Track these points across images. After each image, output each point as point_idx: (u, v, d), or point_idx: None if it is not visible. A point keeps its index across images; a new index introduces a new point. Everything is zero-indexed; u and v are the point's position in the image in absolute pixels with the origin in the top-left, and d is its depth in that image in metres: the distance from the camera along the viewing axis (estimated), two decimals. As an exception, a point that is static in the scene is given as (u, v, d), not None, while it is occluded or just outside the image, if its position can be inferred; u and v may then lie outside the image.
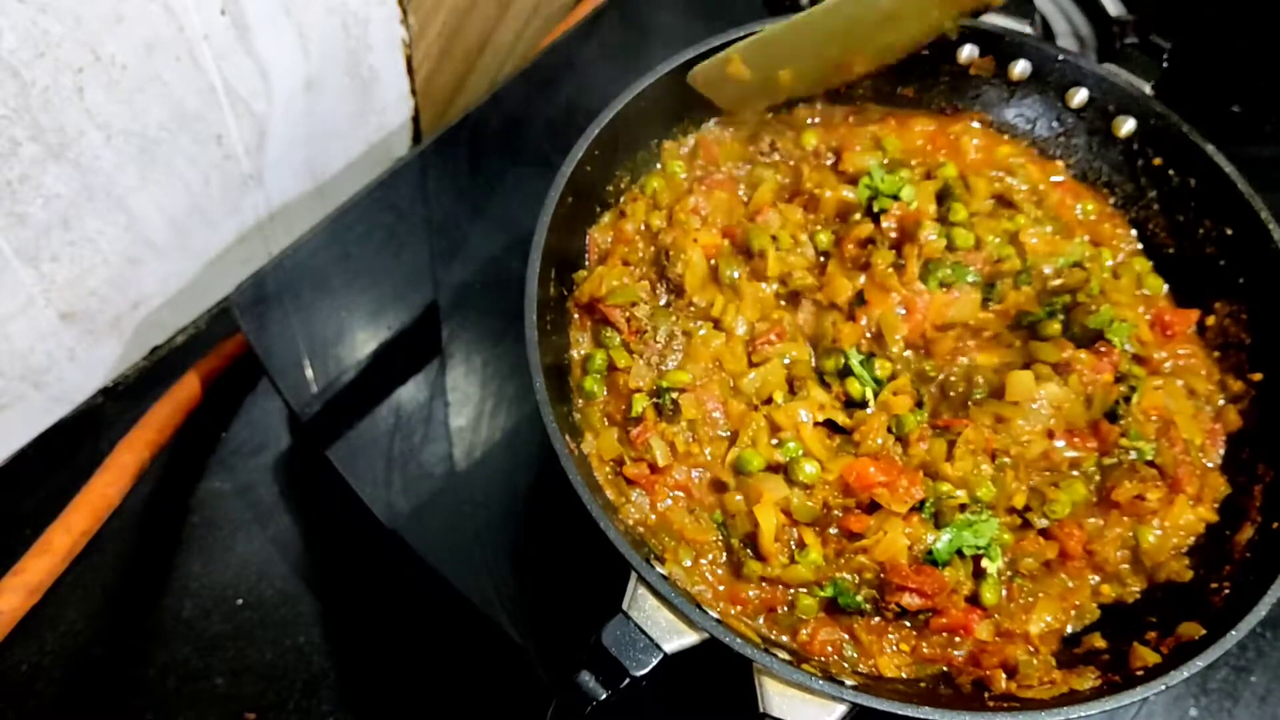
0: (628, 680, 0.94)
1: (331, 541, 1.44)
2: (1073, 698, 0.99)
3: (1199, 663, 0.97)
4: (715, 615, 0.98)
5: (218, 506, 1.45)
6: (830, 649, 1.05)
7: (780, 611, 1.07)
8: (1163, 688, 0.96)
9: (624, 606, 0.97)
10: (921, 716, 0.93)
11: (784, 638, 1.06)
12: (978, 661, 1.05)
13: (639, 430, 1.12)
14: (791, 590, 1.08)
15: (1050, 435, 1.16)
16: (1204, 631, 1.02)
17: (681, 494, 1.12)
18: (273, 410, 1.51)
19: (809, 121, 1.39)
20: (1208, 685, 1.23)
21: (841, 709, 0.94)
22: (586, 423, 1.16)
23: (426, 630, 1.35)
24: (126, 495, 1.38)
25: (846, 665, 1.05)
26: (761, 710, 0.95)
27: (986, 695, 1.02)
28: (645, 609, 0.96)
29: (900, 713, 0.93)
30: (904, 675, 1.05)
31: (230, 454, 1.49)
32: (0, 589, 1.27)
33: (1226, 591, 1.06)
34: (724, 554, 1.10)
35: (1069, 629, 1.10)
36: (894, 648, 1.06)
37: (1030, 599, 1.09)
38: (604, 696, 0.94)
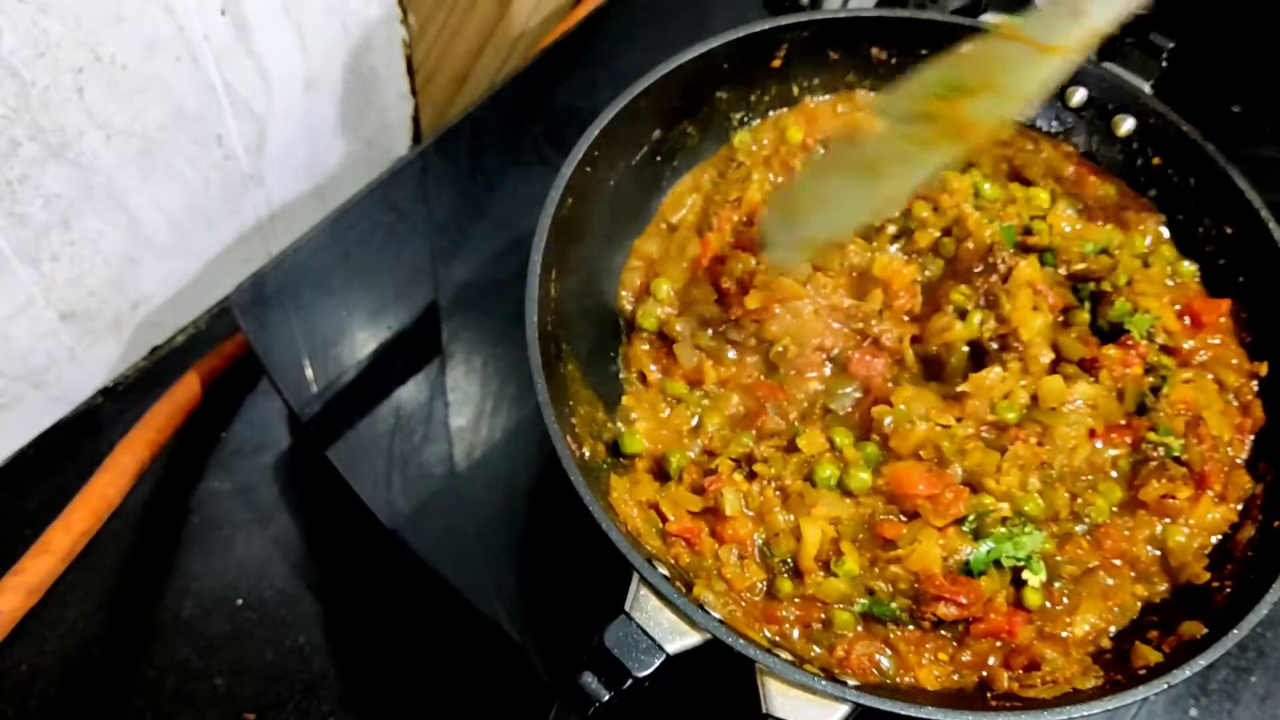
0: (630, 681, 0.94)
1: (331, 541, 1.43)
2: (1075, 697, 0.99)
3: (1201, 662, 0.97)
4: (718, 616, 0.98)
5: (218, 506, 1.45)
6: (867, 662, 1.04)
7: (815, 628, 1.06)
8: (1165, 687, 0.96)
9: (626, 607, 0.96)
10: (924, 716, 0.93)
11: (818, 651, 1.05)
12: (1009, 664, 1.04)
13: (711, 479, 1.11)
14: (826, 607, 1.06)
15: (1091, 435, 1.14)
16: (1205, 630, 1.01)
17: (735, 548, 1.09)
18: (273, 410, 1.51)
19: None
20: (1208, 685, 1.23)
21: (844, 709, 0.94)
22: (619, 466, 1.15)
23: (426, 630, 1.35)
24: (126, 495, 1.38)
25: (885, 678, 1.04)
26: (764, 711, 0.94)
27: (989, 694, 1.02)
28: (647, 610, 0.96)
29: (903, 712, 0.93)
30: (943, 688, 1.04)
31: (230, 454, 1.49)
32: (0, 589, 1.27)
33: (1228, 590, 1.06)
34: (764, 582, 1.08)
35: (1112, 629, 1.08)
36: (932, 657, 1.05)
37: (1073, 600, 1.08)
38: (607, 698, 0.94)
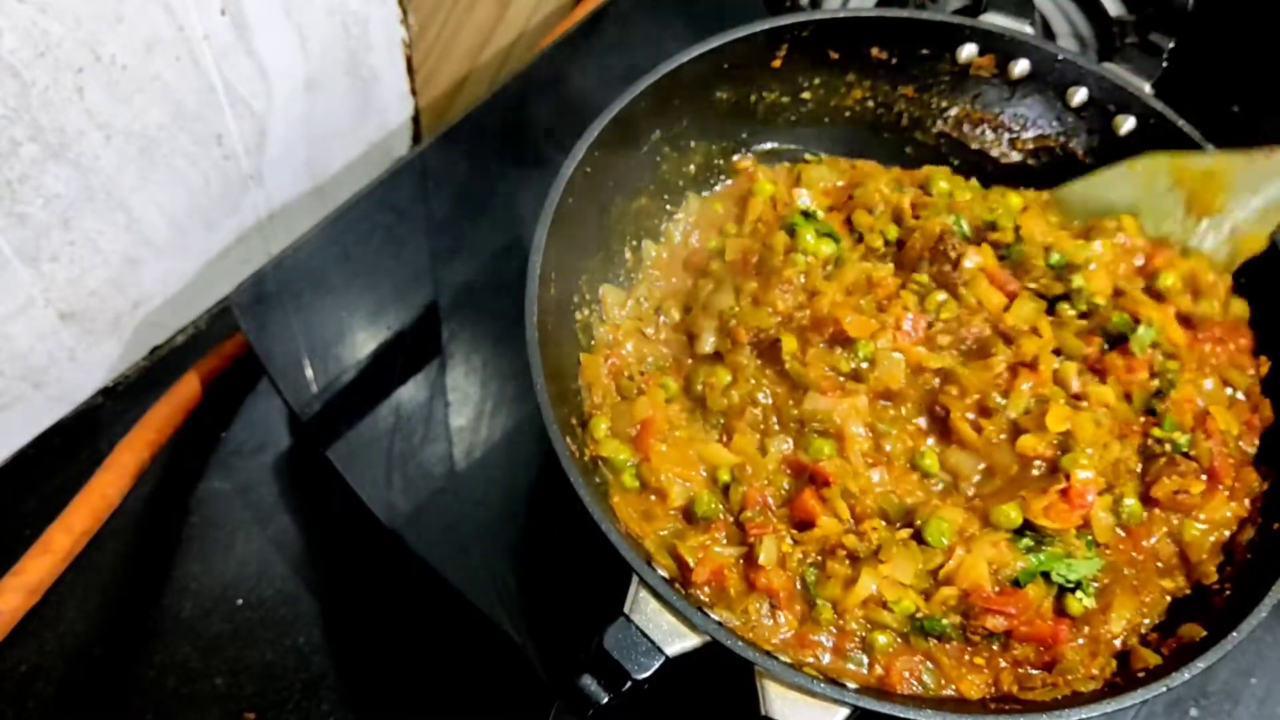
0: (630, 683, 0.94)
1: (331, 541, 1.44)
2: (1074, 700, 0.99)
3: (1200, 664, 0.97)
4: (717, 618, 0.98)
5: (218, 506, 1.45)
6: (908, 675, 1.02)
7: (851, 653, 1.04)
8: (1164, 689, 0.96)
9: (625, 610, 0.96)
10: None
11: (852, 668, 1.04)
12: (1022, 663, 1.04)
13: (755, 526, 1.07)
14: (865, 633, 1.04)
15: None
16: (1205, 633, 1.02)
17: (767, 598, 1.06)
18: (273, 410, 1.51)
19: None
20: (1208, 687, 1.23)
21: (843, 712, 0.94)
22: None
23: (426, 630, 1.35)
24: (126, 495, 1.37)
25: (927, 691, 1.02)
26: (763, 713, 0.94)
27: (987, 698, 1.02)
28: (647, 612, 0.96)
29: (902, 715, 0.93)
30: (987, 696, 1.03)
31: (230, 454, 1.49)
32: (0, 589, 1.27)
33: (1227, 593, 1.06)
34: (799, 607, 1.06)
35: (1143, 625, 1.08)
36: (970, 665, 1.03)
37: (1105, 599, 1.07)
38: (606, 700, 0.94)
